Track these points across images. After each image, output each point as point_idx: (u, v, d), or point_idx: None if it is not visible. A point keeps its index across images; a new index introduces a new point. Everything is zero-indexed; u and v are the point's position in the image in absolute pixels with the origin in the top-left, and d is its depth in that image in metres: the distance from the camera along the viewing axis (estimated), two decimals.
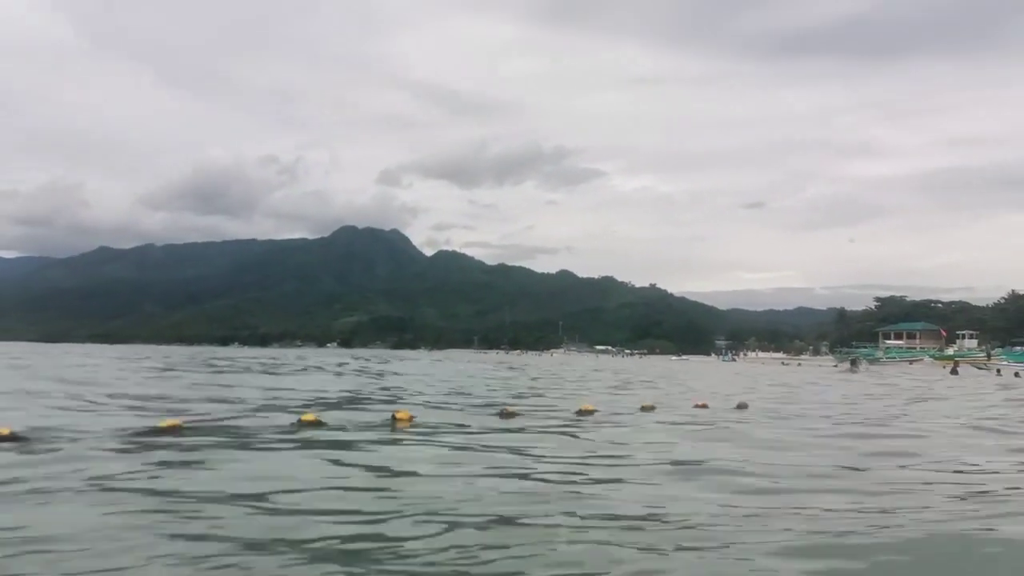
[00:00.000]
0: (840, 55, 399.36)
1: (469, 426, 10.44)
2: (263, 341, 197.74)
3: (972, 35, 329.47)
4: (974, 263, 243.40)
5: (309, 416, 10.29)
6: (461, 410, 13.11)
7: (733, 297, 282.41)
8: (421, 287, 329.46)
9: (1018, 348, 70.91)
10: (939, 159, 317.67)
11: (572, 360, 68.23)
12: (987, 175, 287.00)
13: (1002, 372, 46.32)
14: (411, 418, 10.89)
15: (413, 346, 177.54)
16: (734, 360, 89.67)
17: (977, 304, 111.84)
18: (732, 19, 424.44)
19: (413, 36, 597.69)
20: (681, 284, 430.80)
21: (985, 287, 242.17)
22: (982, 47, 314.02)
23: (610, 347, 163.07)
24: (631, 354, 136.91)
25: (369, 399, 16.07)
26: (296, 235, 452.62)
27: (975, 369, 51.72)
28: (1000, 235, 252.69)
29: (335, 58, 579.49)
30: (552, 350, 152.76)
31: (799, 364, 67.13)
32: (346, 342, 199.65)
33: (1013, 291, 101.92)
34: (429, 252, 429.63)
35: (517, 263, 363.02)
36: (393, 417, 10.87)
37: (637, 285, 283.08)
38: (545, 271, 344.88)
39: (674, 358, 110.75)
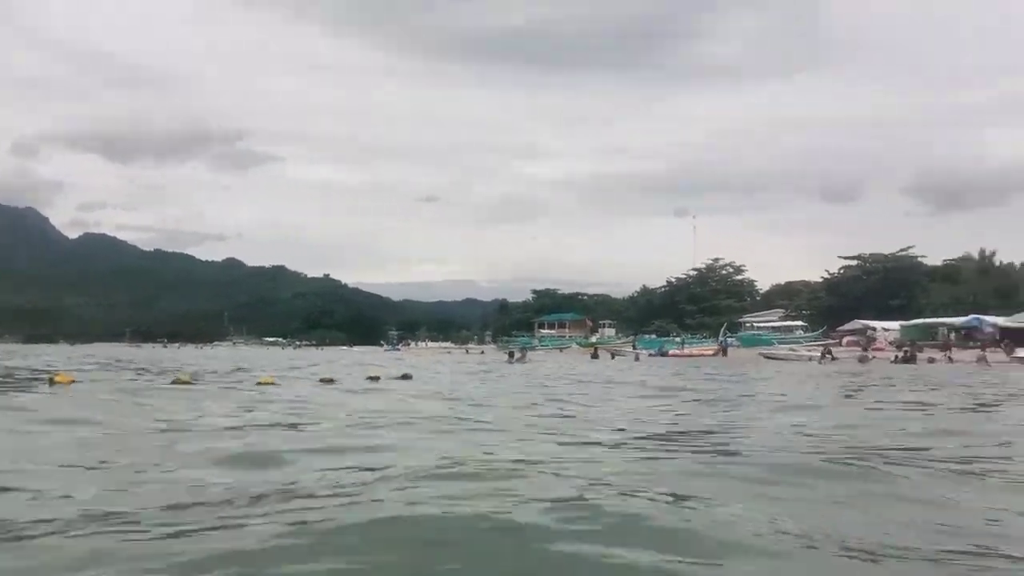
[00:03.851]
0: (516, 62, 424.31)
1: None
2: None
3: (633, 55, 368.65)
4: (616, 260, 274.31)
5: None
6: None
7: (406, 288, 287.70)
8: (62, 274, 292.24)
9: (646, 336, 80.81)
10: (593, 165, 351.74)
11: (222, 354, 63.42)
12: (630, 183, 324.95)
13: (637, 356, 52.84)
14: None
15: (51, 340, 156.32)
16: (397, 350, 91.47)
17: (616, 297, 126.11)
18: (417, 15, 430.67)
19: None
20: (355, 275, 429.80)
21: (624, 282, 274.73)
22: (639, 67, 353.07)
23: (280, 339, 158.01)
24: (299, 345, 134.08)
25: None
26: None
27: (610, 355, 57.45)
28: (637, 237, 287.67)
29: None
30: (216, 343, 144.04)
31: (482, 352, 67.89)
32: None
33: (644, 286, 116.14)
34: (73, 234, 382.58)
35: (180, 249, 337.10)
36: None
37: (310, 275, 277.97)
38: (211, 259, 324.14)
39: (344, 348, 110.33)
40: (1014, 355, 34.92)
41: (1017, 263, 77.02)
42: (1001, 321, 53.14)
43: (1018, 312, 55.87)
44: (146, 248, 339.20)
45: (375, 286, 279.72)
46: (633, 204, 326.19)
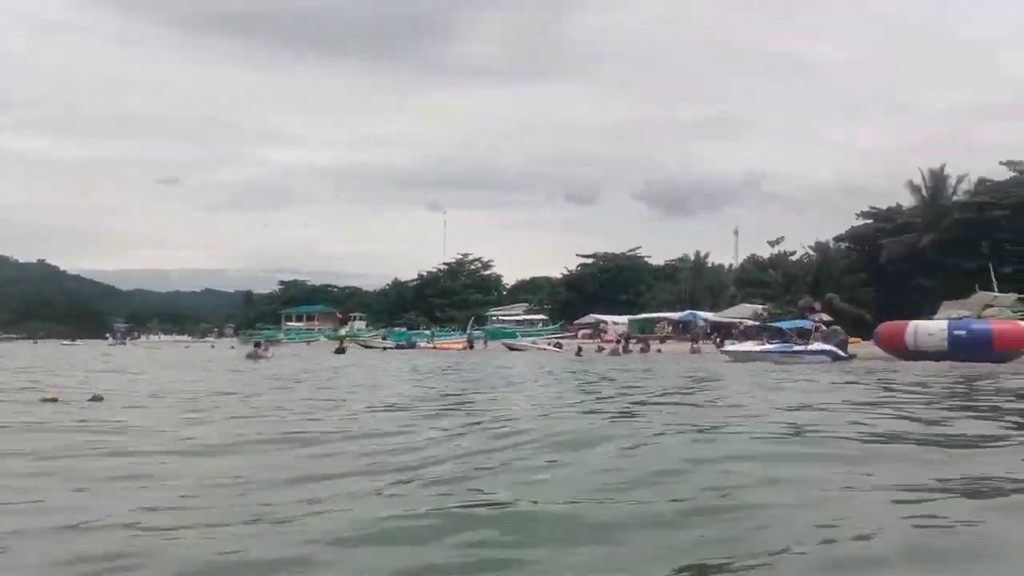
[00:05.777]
0: (265, 43, 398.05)
1: None
2: None
3: (387, 48, 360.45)
4: (367, 252, 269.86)
5: None
6: None
7: (138, 277, 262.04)
8: None
9: (397, 329, 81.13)
10: (345, 154, 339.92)
11: None
12: (382, 175, 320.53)
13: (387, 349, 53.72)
14: None
15: None
16: (124, 344, 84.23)
17: (367, 289, 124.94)
18: None
19: None
20: (77, 261, 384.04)
21: (376, 274, 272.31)
22: (394, 60, 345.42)
23: None
24: (3, 338, 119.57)
25: None
26: None
27: (362, 348, 57.12)
28: (389, 229, 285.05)
29: None
30: None
31: (232, 348, 62.01)
32: None
33: (396, 279, 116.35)
34: None
35: None
36: None
37: (22, 260, 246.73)
38: None
39: (65, 343, 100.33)
40: (721, 347, 39.22)
41: (726, 264, 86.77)
42: (711, 316, 59.68)
43: (726, 308, 63.08)
44: None
45: (100, 273, 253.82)
46: (385, 196, 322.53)
